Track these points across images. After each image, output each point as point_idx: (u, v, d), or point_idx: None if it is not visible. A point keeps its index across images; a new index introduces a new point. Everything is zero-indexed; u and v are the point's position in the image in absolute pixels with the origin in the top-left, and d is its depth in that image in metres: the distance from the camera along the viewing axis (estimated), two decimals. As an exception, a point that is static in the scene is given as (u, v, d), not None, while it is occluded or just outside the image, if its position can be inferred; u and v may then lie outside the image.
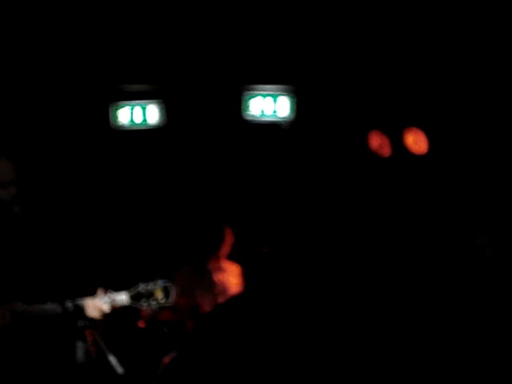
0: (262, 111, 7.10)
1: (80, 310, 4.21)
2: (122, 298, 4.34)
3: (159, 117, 7.12)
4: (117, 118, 7.09)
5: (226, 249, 6.47)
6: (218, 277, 6.42)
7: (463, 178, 6.92)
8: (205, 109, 7.20)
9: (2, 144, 4.65)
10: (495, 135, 6.79)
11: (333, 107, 7.13)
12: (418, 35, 6.61)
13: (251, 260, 6.59)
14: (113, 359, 4.30)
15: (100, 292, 4.33)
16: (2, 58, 6.59)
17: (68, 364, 4.35)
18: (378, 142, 7.03)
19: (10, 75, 6.69)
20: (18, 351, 4.22)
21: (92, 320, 4.24)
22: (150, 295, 4.37)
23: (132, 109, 7.11)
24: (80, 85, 6.98)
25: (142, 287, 4.37)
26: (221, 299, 6.30)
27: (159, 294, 4.38)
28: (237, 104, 7.13)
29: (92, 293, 4.33)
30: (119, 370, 4.29)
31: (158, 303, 4.39)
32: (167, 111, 7.12)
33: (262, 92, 7.13)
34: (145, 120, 7.12)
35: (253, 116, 7.10)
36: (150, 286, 4.38)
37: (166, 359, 5.80)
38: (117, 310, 4.39)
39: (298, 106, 7.08)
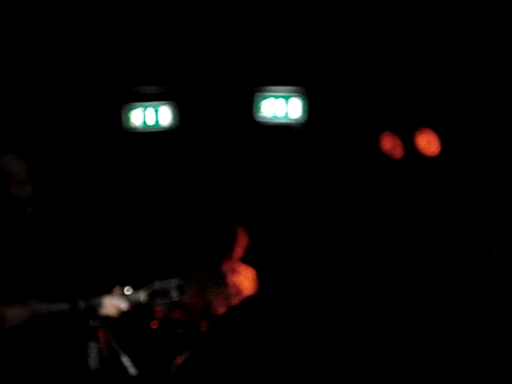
0: (274, 114, 7.09)
1: (93, 310, 4.22)
2: (139, 295, 4.36)
3: (172, 118, 7.13)
4: (129, 119, 7.10)
5: (239, 250, 6.46)
6: (232, 278, 6.41)
7: (475, 179, 6.91)
8: (217, 110, 7.20)
9: (15, 144, 4.67)
10: (507, 136, 6.78)
11: (345, 108, 7.12)
12: (431, 36, 6.60)
13: (264, 263, 6.58)
14: (126, 360, 4.31)
15: (117, 290, 4.35)
16: (16, 59, 6.62)
17: (80, 364, 4.36)
18: (390, 143, 7.03)
19: (24, 76, 6.71)
20: (31, 351, 4.23)
21: (107, 319, 4.25)
22: (165, 293, 4.39)
23: (144, 110, 7.11)
24: (93, 87, 6.99)
25: (157, 285, 4.39)
26: (234, 301, 6.30)
27: (174, 292, 4.41)
28: (248, 105, 7.13)
29: (108, 291, 4.34)
30: (132, 370, 4.30)
31: (173, 300, 4.41)
32: (180, 113, 7.13)
33: (274, 93, 7.13)
34: (157, 122, 7.12)
35: (264, 118, 7.10)
36: (165, 284, 4.40)
37: (179, 360, 5.81)
38: (130, 311, 4.40)
39: (310, 108, 7.07)
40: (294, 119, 7.10)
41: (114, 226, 7.12)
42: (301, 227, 7.26)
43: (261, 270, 6.48)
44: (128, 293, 4.36)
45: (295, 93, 7.11)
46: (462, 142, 6.89)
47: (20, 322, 4.07)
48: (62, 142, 7.01)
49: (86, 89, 7.00)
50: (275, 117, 7.09)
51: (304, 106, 7.07)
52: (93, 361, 4.31)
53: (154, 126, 7.12)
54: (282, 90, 7.14)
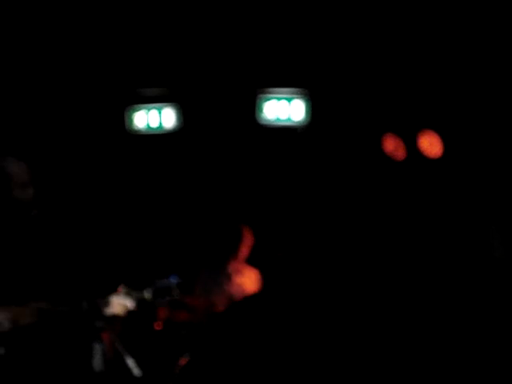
0: (278, 116, 7.09)
1: (98, 310, 4.24)
2: (143, 294, 4.39)
3: (175, 120, 7.13)
4: (133, 121, 7.11)
5: (245, 250, 6.46)
6: (236, 279, 6.42)
7: (477, 181, 6.92)
8: (219, 112, 7.21)
9: (18, 146, 4.68)
10: (509, 138, 6.79)
11: (347, 110, 7.13)
12: (433, 38, 6.61)
13: (268, 264, 6.59)
14: (130, 361, 4.32)
15: (121, 289, 4.37)
16: (20, 62, 6.63)
17: (84, 366, 4.37)
18: (392, 145, 7.03)
19: (27, 78, 6.72)
20: (36, 352, 4.24)
21: (111, 320, 4.27)
22: (167, 291, 4.42)
23: (148, 112, 7.11)
24: (96, 89, 7.00)
25: (159, 284, 4.42)
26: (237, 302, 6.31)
27: (174, 290, 4.44)
28: (251, 107, 7.13)
29: (111, 291, 4.37)
30: (136, 372, 4.31)
31: (175, 298, 4.44)
32: (183, 115, 7.13)
33: (277, 95, 7.13)
34: (161, 124, 7.12)
35: (267, 120, 7.10)
36: (166, 283, 4.43)
37: (183, 360, 5.82)
38: (134, 312, 4.41)
39: (313, 109, 7.07)
40: (297, 121, 7.10)
41: (118, 227, 7.12)
42: (304, 228, 7.27)
43: (264, 271, 6.48)
44: (133, 292, 4.39)
45: (298, 94, 7.11)
46: (464, 143, 6.89)
47: (24, 322, 4.09)
48: (65, 144, 7.02)
49: (89, 91, 7.01)
50: (278, 119, 7.10)
51: (307, 107, 7.07)
52: (97, 362, 4.32)
53: (157, 128, 7.13)
54: (285, 91, 7.15)
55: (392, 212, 7.13)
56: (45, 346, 4.26)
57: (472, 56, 6.69)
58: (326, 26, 6.75)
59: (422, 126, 6.93)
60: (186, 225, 7.28)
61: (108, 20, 6.65)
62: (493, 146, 6.84)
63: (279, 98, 7.13)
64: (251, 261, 6.50)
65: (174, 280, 4.45)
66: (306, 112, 7.06)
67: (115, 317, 4.29)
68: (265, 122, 7.10)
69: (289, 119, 7.09)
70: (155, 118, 7.12)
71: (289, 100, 7.12)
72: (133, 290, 4.40)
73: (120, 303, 4.30)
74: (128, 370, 4.35)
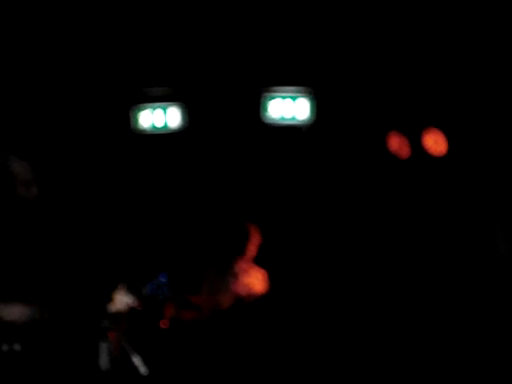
0: (282, 115, 7.09)
1: (103, 308, 4.26)
2: (142, 291, 4.43)
3: (180, 120, 7.13)
4: (138, 121, 7.12)
5: (253, 249, 6.45)
6: (243, 279, 6.41)
7: (482, 178, 6.92)
8: (224, 111, 7.21)
9: (20, 146, 4.70)
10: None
11: (352, 109, 7.13)
12: (439, 36, 6.61)
13: (275, 264, 6.59)
14: (136, 360, 4.34)
15: (122, 287, 4.40)
16: (25, 61, 6.64)
17: (91, 365, 4.39)
18: (397, 143, 7.04)
19: (32, 78, 6.74)
20: (43, 351, 4.25)
21: (117, 319, 4.29)
22: (159, 289, 4.48)
23: (153, 111, 7.12)
24: (101, 88, 7.01)
25: (150, 283, 4.48)
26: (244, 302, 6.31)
27: (165, 288, 4.51)
28: (256, 106, 7.14)
29: (113, 288, 4.40)
30: (143, 370, 4.33)
31: (167, 296, 4.50)
32: (188, 114, 7.13)
33: (281, 94, 7.13)
34: (166, 124, 7.12)
35: (272, 119, 7.10)
36: (156, 282, 4.49)
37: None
38: (139, 310, 4.43)
39: (318, 108, 7.07)
40: (302, 120, 7.10)
41: (123, 227, 7.13)
42: (309, 227, 7.27)
43: (271, 271, 6.48)
44: (133, 289, 4.43)
45: (302, 93, 7.11)
46: (468, 141, 6.89)
47: (37, 319, 4.11)
48: (70, 143, 7.03)
49: (94, 90, 7.01)
50: (283, 118, 7.10)
51: (311, 106, 7.07)
52: (103, 361, 4.34)
53: (162, 127, 7.13)
54: (289, 90, 7.15)
55: (397, 210, 7.13)
56: (52, 345, 4.28)
57: (476, 54, 6.69)
58: (330, 25, 6.76)
59: (426, 124, 6.93)
60: (192, 224, 7.28)
61: (113, 20, 6.66)
62: (497, 143, 6.84)
63: (284, 97, 7.13)
64: (258, 261, 6.50)
65: (163, 278, 4.51)
66: (311, 111, 7.07)
67: (119, 314, 4.32)
68: (270, 121, 7.10)
69: (293, 118, 7.09)
70: (160, 118, 7.12)
71: (293, 98, 7.12)
72: (131, 287, 4.44)
73: (122, 300, 4.34)
74: (134, 368, 4.38)
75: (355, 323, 6.66)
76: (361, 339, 6.60)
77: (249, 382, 5.70)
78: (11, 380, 4.08)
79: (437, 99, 6.93)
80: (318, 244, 7.13)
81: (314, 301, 6.68)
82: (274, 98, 7.13)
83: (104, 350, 4.35)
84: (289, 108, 7.08)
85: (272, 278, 6.30)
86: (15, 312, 4.09)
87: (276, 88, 7.14)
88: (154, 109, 7.12)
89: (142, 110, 7.12)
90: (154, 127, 7.11)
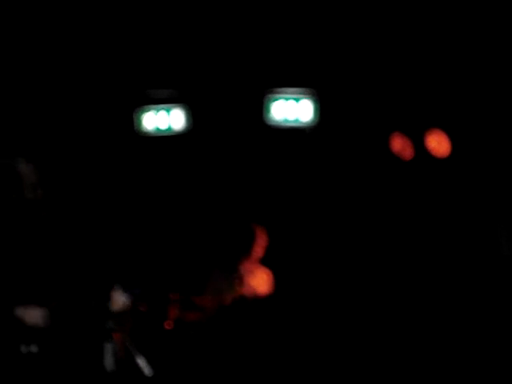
0: (286, 117, 7.08)
1: (106, 308, 4.28)
2: (136, 291, 4.46)
3: (184, 122, 7.13)
4: (141, 123, 7.12)
5: (259, 250, 6.44)
6: (248, 280, 6.41)
7: (485, 179, 6.92)
8: (228, 113, 7.21)
9: (24, 148, 4.72)
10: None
11: (355, 110, 7.13)
12: (443, 38, 6.62)
13: (280, 265, 6.59)
14: (141, 361, 4.36)
15: (116, 288, 4.43)
16: (28, 64, 6.66)
17: (96, 365, 4.40)
18: (400, 144, 7.04)
19: (35, 80, 6.75)
20: (48, 352, 4.27)
21: (121, 319, 4.31)
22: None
23: (156, 113, 7.11)
24: (105, 90, 7.01)
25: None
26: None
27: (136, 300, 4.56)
28: (259, 107, 7.13)
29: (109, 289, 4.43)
30: (148, 371, 4.35)
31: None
32: (192, 116, 7.13)
33: (284, 95, 7.13)
34: (170, 126, 7.11)
35: (275, 121, 7.09)
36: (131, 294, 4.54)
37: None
38: (144, 312, 4.45)
39: (321, 109, 7.08)
40: (305, 122, 7.10)
41: (127, 229, 7.12)
42: (313, 229, 7.27)
43: (277, 272, 6.48)
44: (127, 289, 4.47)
45: (305, 94, 7.11)
46: (471, 142, 6.90)
47: (40, 322, 4.13)
48: (74, 146, 7.03)
49: (97, 92, 7.02)
50: (286, 120, 7.09)
51: (315, 107, 7.07)
52: (108, 362, 4.36)
53: (166, 130, 7.12)
54: (293, 91, 7.15)
55: (400, 211, 7.14)
56: (57, 346, 4.29)
57: (479, 56, 6.70)
58: (332, 26, 6.77)
59: (429, 125, 6.93)
60: (196, 225, 7.27)
61: (116, 22, 6.68)
62: (500, 144, 6.84)
63: (287, 98, 7.13)
64: (264, 262, 6.50)
65: (137, 292, 4.53)
66: (314, 112, 7.06)
67: (121, 314, 4.34)
68: (273, 123, 7.10)
69: (297, 120, 7.09)
70: (164, 120, 7.11)
71: (297, 100, 7.13)
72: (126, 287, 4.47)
73: (120, 299, 4.36)
74: (139, 369, 4.39)
75: (359, 324, 6.67)
76: (365, 340, 6.60)
77: (253, 383, 5.71)
78: (27, 380, 4.11)
79: (440, 101, 6.93)
80: (322, 245, 7.14)
81: (319, 302, 6.69)
82: (277, 99, 7.12)
83: (109, 351, 4.36)
84: (292, 110, 7.08)
85: (277, 279, 6.31)
86: (35, 315, 4.11)
87: (279, 89, 7.14)
88: (158, 111, 7.12)
89: (146, 111, 7.11)
90: (157, 129, 7.11)
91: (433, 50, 6.79)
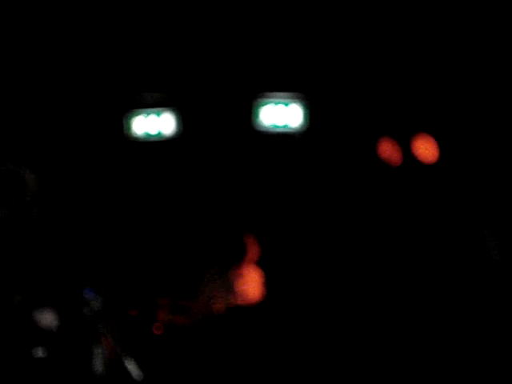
0: (274, 123, 7.08)
1: (99, 314, 4.30)
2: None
3: (174, 126, 7.12)
4: (131, 127, 7.11)
5: (250, 256, 6.46)
6: (239, 285, 6.42)
7: (472, 185, 6.95)
8: (217, 118, 7.21)
9: (18, 152, 4.73)
10: (505, 142, 6.83)
11: (343, 115, 7.15)
12: (429, 42, 6.65)
13: (270, 271, 6.60)
14: (130, 365, 4.37)
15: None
16: (18, 65, 6.65)
17: (85, 369, 4.41)
18: (388, 150, 7.06)
19: (25, 82, 6.74)
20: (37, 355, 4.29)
21: (111, 323, 4.33)
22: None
23: (146, 117, 7.10)
24: (94, 94, 7.01)
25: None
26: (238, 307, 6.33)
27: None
28: (248, 112, 7.14)
29: None
30: (137, 375, 4.36)
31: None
32: (181, 121, 7.12)
33: (274, 99, 7.13)
34: (159, 131, 7.09)
35: (264, 126, 7.09)
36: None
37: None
38: (133, 315, 4.47)
39: (311, 114, 7.08)
40: (294, 128, 7.10)
41: (117, 234, 7.11)
42: (303, 234, 7.27)
43: (268, 278, 6.49)
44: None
45: (295, 99, 7.12)
46: (459, 148, 6.92)
47: (52, 325, 4.16)
48: (62, 150, 7.01)
49: (87, 96, 7.01)
50: (275, 126, 7.09)
51: (304, 112, 7.08)
52: (97, 365, 4.37)
53: (156, 135, 7.11)
54: (282, 96, 7.15)
55: (389, 217, 7.16)
56: (46, 349, 4.31)
57: (468, 60, 6.73)
58: (322, 31, 6.79)
59: (417, 131, 6.96)
60: (187, 230, 7.27)
61: (106, 25, 6.68)
62: (487, 150, 6.87)
63: (276, 103, 7.13)
64: (255, 268, 6.51)
65: (88, 295, 4.56)
66: (304, 117, 7.07)
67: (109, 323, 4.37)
68: (261, 129, 7.10)
69: (286, 126, 7.09)
70: (154, 124, 7.09)
71: (286, 104, 7.13)
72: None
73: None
74: (128, 373, 4.40)
75: (354, 328, 6.69)
76: (361, 342, 6.63)
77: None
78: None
79: (428, 107, 6.96)
80: (312, 250, 7.15)
81: (311, 307, 6.71)
82: (266, 103, 7.13)
83: (98, 354, 4.37)
84: (281, 115, 7.08)
85: (268, 285, 6.33)
86: (48, 318, 4.14)
87: (268, 94, 7.14)
88: (148, 114, 7.11)
89: (136, 115, 7.10)
90: (147, 135, 7.09)
91: (420, 56, 6.82)
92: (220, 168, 7.28)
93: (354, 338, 6.60)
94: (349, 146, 7.18)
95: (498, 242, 6.85)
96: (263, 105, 7.11)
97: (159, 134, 7.09)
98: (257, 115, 7.09)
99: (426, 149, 6.92)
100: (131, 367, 4.40)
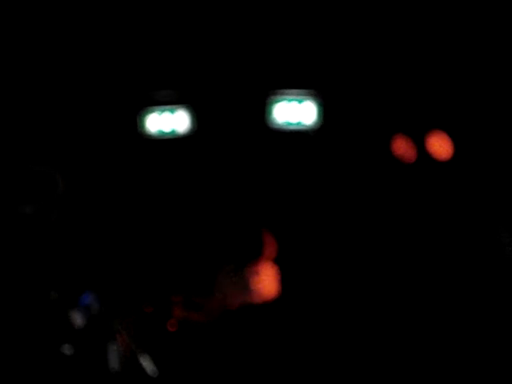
0: (288, 121, 7.07)
1: (113, 312, 4.31)
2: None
3: (188, 124, 7.12)
4: (145, 125, 7.10)
5: (268, 253, 6.45)
6: (254, 282, 6.43)
7: (487, 182, 6.94)
8: (231, 115, 7.22)
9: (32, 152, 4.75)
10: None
11: (357, 112, 7.14)
12: (445, 39, 6.64)
13: (287, 268, 6.60)
14: (145, 361, 4.38)
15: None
16: (29, 67, 6.68)
17: (100, 366, 4.43)
18: (402, 147, 7.05)
19: (36, 82, 6.77)
20: (52, 352, 4.30)
21: (124, 321, 4.34)
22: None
23: (160, 114, 7.11)
24: (108, 92, 7.02)
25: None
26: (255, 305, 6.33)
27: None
28: (262, 109, 7.13)
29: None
30: (152, 372, 4.37)
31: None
32: (196, 118, 7.12)
33: (287, 96, 7.13)
34: (173, 129, 7.10)
35: (278, 124, 7.09)
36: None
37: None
38: (147, 313, 4.48)
39: (324, 111, 7.08)
40: (308, 125, 7.09)
41: (132, 232, 7.12)
42: (316, 231, 7.27)
43: (284, 275, 6.49)
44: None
45: (309, 96, 7.11)
46: (474, 145, 6.91)
47: (83, 323, 4.19)
48: (75, 148, 7.03)
49: (101, 94, 7.03)
50: (289, 123, 7.08)
51: (318, 109, 7.07)
52: (113, 362, 4.38)
53: (170, 133, 7.11)
54: (296, 93, 7.15)
55: (403, 214, 7.15)
56: (60, 346, 4.32)
57: (482, 57, 6.71)
58: (335, 27, 6.79)
59: (431, 128, 6.95)
60: (201, 228, 7.27)
61: (120, 23, 6.69)
62: (502, 147, 6.86)
63: (290, 100, 7.13)
64: (272, 265, 6.51)
65: (85, 300, 4.57)
66: (318, 114, 7.07)
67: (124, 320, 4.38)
68: (275, 126, 7.10)
69: (299, 123, 7.09)
70: (168, 122, 7.09)
71: (299, 101, 7.13)
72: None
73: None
74: (143, 369, 4.42)
75: (365, 327, 6.69)
76: (370, 341, 6.62)
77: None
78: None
79: (443, 104, 6.95)
80: (326, 247, 7.15)
81: (325, 304, 6.71)
82: (279, 101, 7.13)
83: (113, 351, 4.38)
84: (295, 112, 7.08)
85: (284, 283, 6.33)
86: (78, 317, 4.18)
87: (282, 91, 7.14)
88: (162, 111, 7.11)
89: (149, 113, 7.11)
90: (161, 132, 7.10)
91: (435, 53, 6.81)
92: (234, 165, 7.29)
93: (370, 335, 6.60)
94: (363, 143, 7.17)
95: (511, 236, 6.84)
96: (277, 102, 7.11)
97: (173, 131, 7.10)
98: (270, 112, 7.09)
99: (440, 146, 6.92)
100: (146, 364, 4.42)
